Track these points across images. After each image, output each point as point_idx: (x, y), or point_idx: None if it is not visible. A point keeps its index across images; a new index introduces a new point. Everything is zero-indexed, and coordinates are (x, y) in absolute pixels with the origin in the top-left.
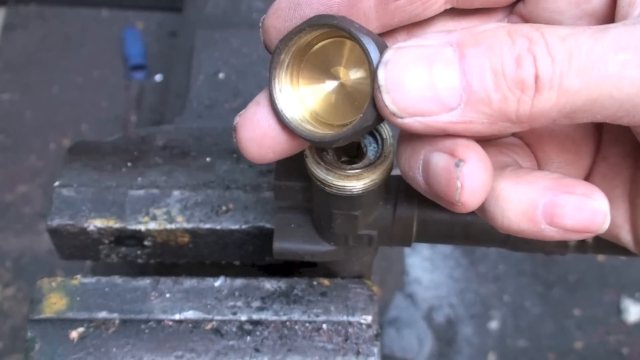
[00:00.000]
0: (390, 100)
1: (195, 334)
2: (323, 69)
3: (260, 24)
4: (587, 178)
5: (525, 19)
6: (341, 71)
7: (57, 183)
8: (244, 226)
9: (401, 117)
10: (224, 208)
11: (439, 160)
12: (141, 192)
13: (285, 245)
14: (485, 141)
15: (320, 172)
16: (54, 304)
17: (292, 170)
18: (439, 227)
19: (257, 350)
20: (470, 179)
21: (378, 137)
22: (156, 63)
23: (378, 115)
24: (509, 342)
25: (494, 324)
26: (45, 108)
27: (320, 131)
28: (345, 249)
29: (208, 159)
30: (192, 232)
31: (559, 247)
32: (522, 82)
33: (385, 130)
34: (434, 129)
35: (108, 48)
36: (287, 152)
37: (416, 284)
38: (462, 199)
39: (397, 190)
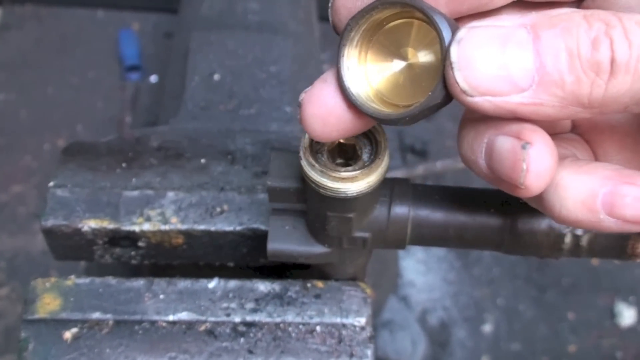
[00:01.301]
0: (462, 77)
1: (188, 335)
2: (392, 49)
3: (330, 4)
4: None
5: None
6: (410, 52)
7: (51, 183)
8: (238, 228)
9: (471, 96)
10: (218, 209)
11: (505, 142)
12: (135, 193)
13: (279, 247)
14: None
15: (314, 175)
16: (48, 304)
17: (286, 172)
18: (433, 230)
19: (250, 352)
20: (536, 161)
21: (373, 140)
22: (151, 64)
23: (447, 94)
24: (503, 345)
25: (487, 327)
26: (40, 108)
27: (386, 109)
28: (340, 251)
29: (203, 161)
30: (187, 234)
31: (553, 250)
32: (598, 65)
33: (380, 133)
34: (503, 110)
35: (103, 49)
36: (351, 131)
37: (410, 286)
38: (526, 181)
39: (392, 192)
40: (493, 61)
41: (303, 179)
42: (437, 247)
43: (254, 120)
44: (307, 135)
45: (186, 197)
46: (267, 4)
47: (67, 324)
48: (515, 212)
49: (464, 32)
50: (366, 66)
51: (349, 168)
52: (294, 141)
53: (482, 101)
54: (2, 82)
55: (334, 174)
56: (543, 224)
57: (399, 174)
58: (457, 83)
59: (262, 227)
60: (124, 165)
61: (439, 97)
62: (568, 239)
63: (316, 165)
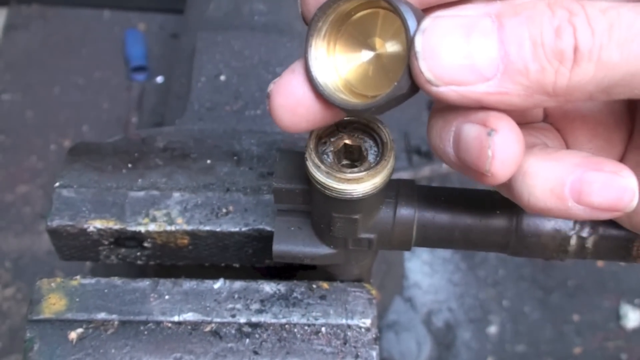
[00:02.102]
0: (427, 67)
1: (194, 336)
2: (360, 39)
3: None
4: None
5: None
6: (378, 42)
7: (57, 184)
8: (243, 229)
9: (436, 86)
10: (224, 210)
11: (471, 130)
12: (141, 193)
13: (284, 248)
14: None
15: (320, 176)
16: (53, 304)
17: (292, 173)
18: (438, 231)
19: (255, 352)
20: (501, 148)
21: (379, 141)
22: (157, 65)
23: (412, 84)
24: (508, 347)
25: (493, 329)
26: (46, 109)
27: (353, 100)
28: (345, 253)
29: (208, 161)
30: (192, 234)
31: (558, 252)
32: (561, 53)
33: (386, 134)
34: (468, 99)
35: (109, 49)
36: (320, 121)
37: (415, 288)
38: (492, 168)
39: (397, 194)
40: (458, 50)
41: (309, 180)
42: (442, 249)
43: (259, 121)
44: (313, 137)
45: (192, 198)
46: (274, 5)
47: (72, 324)
48: (521, 213)
49: (428, 21)
50: (335, 56)
51: (355, 169)
52: (299, 142)
53: (447, 91)
54: (8, 82)
55: (339, 175)
56: (549, 225)
57: (404, 175)
58: (421, 73)
59: (268, 228)
60: (129, 165)
61: (404, 87)
62: (573, 241)
63: (322, 166)
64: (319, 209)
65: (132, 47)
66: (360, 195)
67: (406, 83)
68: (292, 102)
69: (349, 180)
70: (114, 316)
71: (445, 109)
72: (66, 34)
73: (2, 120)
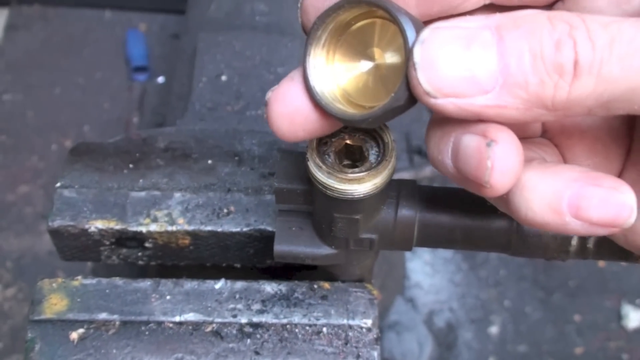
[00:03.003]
0: (425, 78)
1: (195, 336)
2: (359, 49)
3: (299, 4)
4: None
5: None
6: (377, 53)
7: (58, 184)
8: (245, 229)
9: (435, 97)
10: (225, 210)
11: (470, 141)
12: (142, 193)
13: (286, 248)
14: None
15: (321, 176)
16: (55, 304)
17: (293, 173)
18: (440, 232)
19: (257, 353)
20: (501, 159)
21: (380, 141)
22: (159, 65)
23: (410, 95)
24: (509, 347)
25: (494, 329)
26: (48, 109)
27: (351, 110)
28: (346, 253)
29: (210, 162)
30: (193, 234)
31: (559, 252)
32: (561, 67)
33: (387, 134)
34: (467, 112)
35: (111, 49)
36: (317, 131)
37: (417, 288)
38: (491, 180)
39: (399, 194)
40: (457, 62)
41: (310, 180)
42: (443, 249)
43: (261, 122)
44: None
45: (193, 198)
46: (275, 5)
47: (73, 324)
48: None
49: (427, 32)
50: (333, 66)
51: (356, 169)
52: (301, 142)
53: (445, 103)
54: (9, 83)
55: (340, 175)
56: None
57: (406, 175)
58: (420, 84)
59: (269, 228)
60: (131, 166)
61: (402, 99)
62: (575, 241)
63: (323, 166)
64: (320, 209)
65: (133, 47)
66: (362, 196)
67: (404, 94)
68: (290, 111)
69: (350, 181)
70: (115, 316)
71: (443, 120)
72: (67, 34)
73: (3, 120)
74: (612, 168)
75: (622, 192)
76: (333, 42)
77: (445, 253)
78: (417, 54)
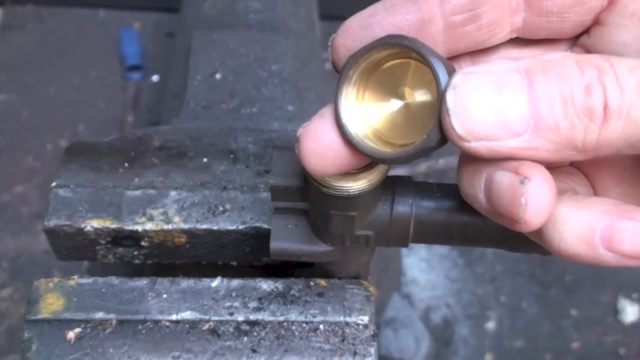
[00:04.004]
0: (459, 123)
1: (192, 335)
2: (389, 88)
3: (330, 43)
4: None
5: (589, 51)
6: (407, 92)
7: (53, 183)
8: (241, 227)
9: (468, 141)
10: (220, 209)
11: (503, 178)
12: (138, 192)
13: (282, 246)
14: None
15: None
16: (51, 304)
17: (289, 170)
18: (436, 228)
19: (254, 350)
20: (534, 196)
21: None
22: (153, 63)
23: (442, 137)
24: (506, 342)
25: (490, 325)
26: (42, 108)
27: (382, 149)
28: (342, 250)
29: (205, 160)
30: (189, 233)
31: None
32: (591, 111)
33: None
34: (499, 153)
35: (105, 48)
36: (348, 166)
37: (413, 284)
38: (525, 216)
39: (394, 190)
40: (488, 107)
41: (305, 177)
42: (440, 245)
43: (255, 119)
44: None
45: (189, 197)
46: (269, 3)
47: (70, 323)
48: None
49: (459, 78)
50: (364, 104)
51: None
52: (296, 140)
53: (478, 146)
54: (3, 83)
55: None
56: None
57: (401, 172)
58: (453, 129)
59: (265, 226)
60: (126, 165)
61: (434, 140)
62: None
63: None
64: (315, 206)
65: (128, 46)
66: (357, 192)
67: (436, 136)
68: (321, 147)
69: (345, 177)
70: (111, 315)
71: (476, 157)
72: (61, 34)
73: None
74: None
75: None
76: (363, 81)
77: (441, 249)
78: (450, 100)
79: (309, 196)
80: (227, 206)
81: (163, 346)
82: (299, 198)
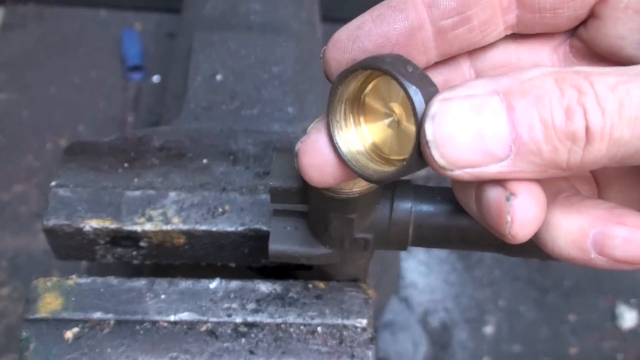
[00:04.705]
0: (439, 154)
1: (190, 336)
2: (381, 104)
3: (321, 56)
4: None
5: (586, 43)
6: (396, 107)
7: (53, 183)
8: (239, 228)
9: (451, 170)
10: (220, 210)
11: (491, 192)
12: (137, 193)
13: (280, 248)
14: None
15: None
16: (49, 303)
17: (288, 172)
18: (435, 231)
19: (251, 352)
20: (520, 213)
21: None
22: (154, 64)
23: (422, 162)
24: (504, 347)
25: (489, 329)
26: (43, 108)
27: (372, 168)
28: (341, 252)
29: (205, 161)
30: (188, 234)
31: None
32: (573, 134)
33: None
34: (484, 178)
35: (106, 49)
36: (347, 178)
37: (412, 287)
38: (512, 232)
39: (393, 193)
40: (468, 135)
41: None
42: (438, 249)
43: (256, 121)
44: None
45: (188, 198)
46: (270, 4)
47: (68, 323)
48: None
49: (436, 107)
50: (357, 121)
51: None
52: (296, 142)
53: (461, 174)
54: (4, 82)
55: None
56: None
57: None
58: (435, 161)
59: (264, 228)
60: (125, 165)
61: (414, 167)
62: None
63: None
64: (315, 209)
65: (129, 46)
66: (356, 195)
67: (416, 162)
68: (319, 162)
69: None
70: (110, 315)
71: None
72: (62, 34)
73: None
74: None
75: None
76: (356, 98)
77: (440, 253)
78: (429, 132)
79: (308, 198)
80: (227, 207)
81: (161, 347)
82: (298, 200)
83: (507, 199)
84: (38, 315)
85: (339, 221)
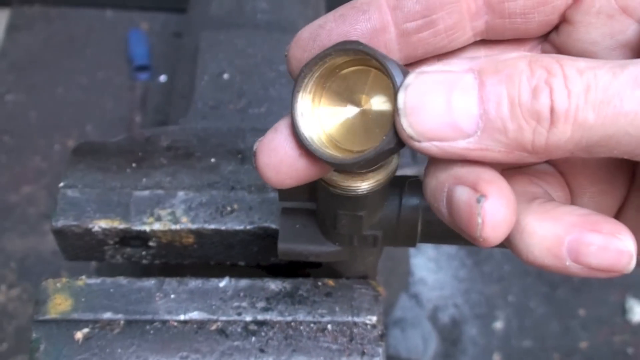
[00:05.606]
0: (408, 123)
1: (200, 335)
2: (345, 95)
3: (285, 54)
4: (621, 209)
5: (559, 49)
6: (363, 99)
7: (61, 184)
8: (248, 227)
9: (418, 141)
10: (228, 209)
11: (462, 194)
12: (146, 192)
13: (290, 246)
14: (517, 169)
15: None
16: (59, 304)
17: None
18: (443, 228)
19: (262, 350)
20: (491, 215)
21: None
22: (161, 64)
23: (400, 139)
24: (514, 342)
25: (498, 324)
26: (50, 109)
27: (341, 155)
28: (350, 250)
29: (213, 160)
30: (197, 233)
31: None
32: (538, 114)
33: None
34: (450, 154)
35: (112, 49)
36: (303, 178)
37: (421, 284)
38: (483, 234)
39: (402, 190)
40: (438, 107)
41: None
42: (447, 245)
43: (263, 119)
44: None
45: (196, 197)
46: (276, 3)
47: (78, 324)
48: None
49: (411, 78)
50: (320, 112)
51: None
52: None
53: (429, 146)
54: (11, 83)
55: (344, 172)
56: None
57: (409, 171)
58: (403, 129)
59: (273, 226)
60: (134, 165)
61: (392, 142)
62: None
63: None
64: (323, 206)
65: (135, 46)
66: (365, 192)
67: (394, 138)
68: (275, 161)
69: (353, 177)
70: (119, 316)
71: (438, 168)
72: (69, 34)
73: (6, 120)
74: (617, 194)
75: (621, 238)
76: (319, 88)
77: (449, 249)
78: (401, 100)
79: (316, 196)
80: (235, 206)
81: (171, 346)
82: (306, 198)
83: (478, 201)
84: (48, 316)
85: (347, 218)
